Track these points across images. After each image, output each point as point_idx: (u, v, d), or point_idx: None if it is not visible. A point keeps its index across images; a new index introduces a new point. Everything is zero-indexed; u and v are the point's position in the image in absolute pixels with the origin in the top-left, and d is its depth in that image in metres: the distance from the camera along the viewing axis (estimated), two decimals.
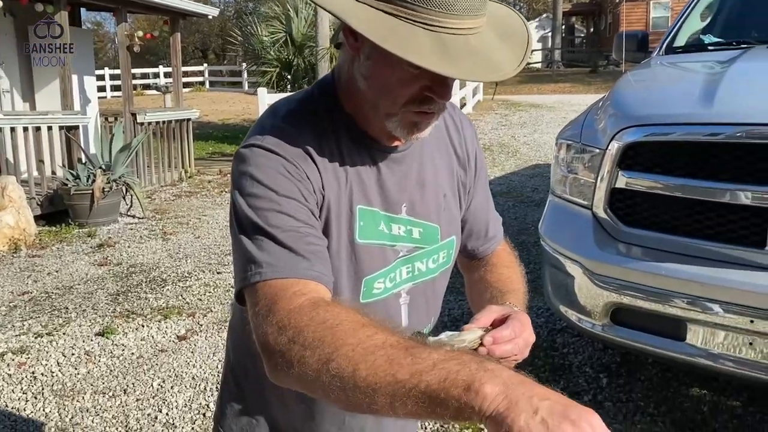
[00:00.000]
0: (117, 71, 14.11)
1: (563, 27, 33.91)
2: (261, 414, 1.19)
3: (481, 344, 0.91)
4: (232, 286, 4.57)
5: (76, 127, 7.08)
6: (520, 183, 7.95)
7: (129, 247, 5.84)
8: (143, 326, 4.01)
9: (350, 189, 1.00)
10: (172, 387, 3.27)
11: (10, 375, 3.42)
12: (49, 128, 6.76)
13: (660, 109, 2.63)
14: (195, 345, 3.74)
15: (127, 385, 3.29)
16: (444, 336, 0.93)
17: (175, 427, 2.92)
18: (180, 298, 4.51)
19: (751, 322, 2.23)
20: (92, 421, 2.97)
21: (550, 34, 32.18)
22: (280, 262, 0.89)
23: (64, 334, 3.91)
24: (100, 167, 6.68)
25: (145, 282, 4.86)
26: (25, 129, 6.54)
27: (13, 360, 3.58)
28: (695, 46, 3.77)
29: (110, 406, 3.09)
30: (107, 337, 3.84)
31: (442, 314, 1.04)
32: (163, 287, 4.73)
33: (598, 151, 2.64)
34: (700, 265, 2.34)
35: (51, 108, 7.42)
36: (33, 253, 5.66)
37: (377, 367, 0.74)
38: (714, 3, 4.10)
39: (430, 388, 0.70)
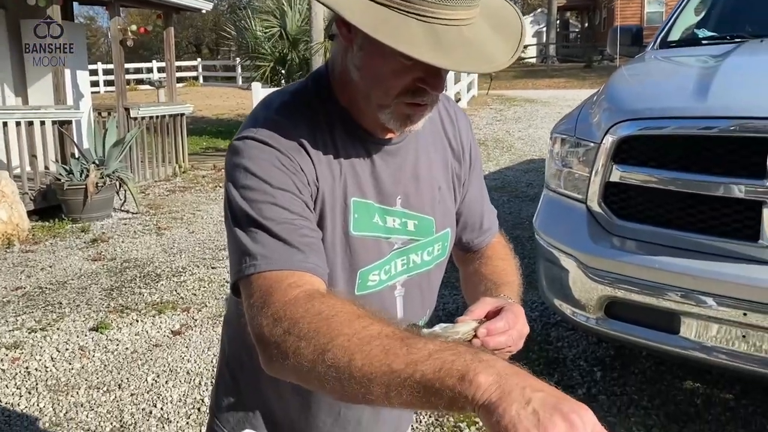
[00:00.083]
0: (110, 66, 14.06)
1: (558, 22, 33.90)
2: (257, 406, 1.19)
3: (475, 336, 0.91)
4: (226, 281, 4.57)
5: (69, 122, 7.05)
6: (515, 178, 7.95)
7: (123, 242, 5.83)
8: (137, 321, 4.01)
9: (344, 181, 1.00)
10: (166, 382, 3.26)
11: (3, 370, 3.40)
12: (42, 123, 6.72)
13: (654, 103, 2.63)
14: (190, 340, 3.74)
15: (122, 380, 3.28)
16: (438, 328, 0.93)
17: (170, 421, 2.92)
18: (174, 293, 4.50)
19: (744, 315, 2.24)
20: (86, 416, 2.97)
21: (544, 29, 32.19)
22: (275, 255, 0.89)
23: (57, 329, 3.90)
24: (94, 162, 6.66)
25: (140, 277, 4.85)
26: (18, 124, 6.51)
27: (6, 355, 3.57)
28: (689, 40, 3.77)
29: (104, 401, 3.09)
30: (101, 332, 3.83)
31: (437, 309, 1.04)
32: (157, 282, 4.72)
33: (592, 145, 2.64)
34: (693, 258, 2.35)
35: (44, 103, 7.38)
36: (26, 249, 5.63)
37: (373, 357, 0.74)
38: None
39: (425, 378, 0.71)
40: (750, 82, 2.68)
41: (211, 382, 3.17)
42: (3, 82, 7.88)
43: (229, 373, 1.22)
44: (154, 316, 4.08)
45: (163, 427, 2.88)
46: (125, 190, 6.96)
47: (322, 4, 0.86)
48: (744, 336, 2.27)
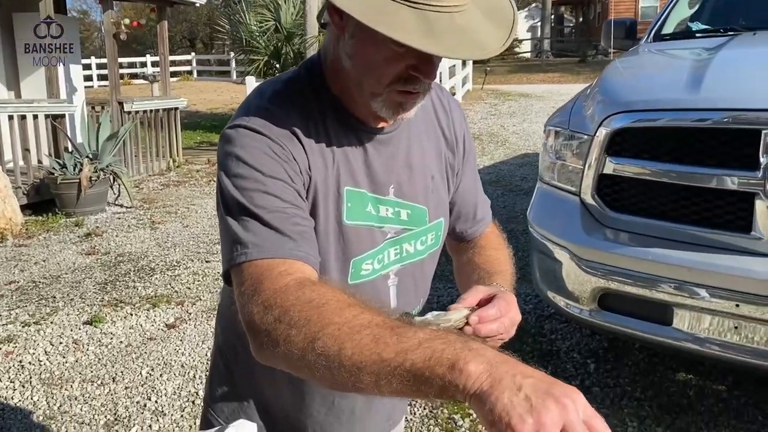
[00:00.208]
0: (104, 60, 13.99)
1: (552, 17, 33.89)
2: (251, 396, 1.19)
3: (467, 323, 0.91)
4: (221, 274, 4.57)
5: (63, 116, 7.01)
6: (509, 172, 7.96)
7: (117, 236, 5.81)
8: (132, 315, 4.00)
9: (337, 170, 1.00)
10: (161, 375, 3.26)
11: None
12: (35, 117, 6.68)
13: (647, 95, 2.64)
14: (184, 333, 3.74)
15: (116, 374, 3.28)
16: (430, 316, 0.93)
17: (165, 414, 2.92)
18: (169, 286, 4.50)
19: (737, 306, 2.25)
20: (81, 409, 2.96)
21: (539, 23, 32.16)
22: (266, 243, 0.89)
23: (51, 323, 3.89)
24: (87, 156, 6.63)
25: (134, 271, 4.84)
26: (10, 117, 6.47)
27: (0, 349, 3.56)
28: (683, 33, 3.78)
29: (99, 394, 3.09)
30: (95, 326, 3.82)
31: (431, 301, 1.04)
32: (151, 276, 4.71)
33: (586, 137, 2.65)
34: (686, 250, 2.36)
35: (36, 96, 7.33)
36: (19, 243, 5.61)
37: (363, 345, 0.75)
38: None
39: (415, 367, 0.71)
40: (743, 74, 2.69)
41: (206, 375, 3.17)
42: None
43: (223, 363, 1.22)
44: (148, 310, 4.07)
45: (158, 419, 2.88)
46: (119, 185, 6.93)
47: None
48: (736, 327, 2.28)
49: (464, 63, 15.86)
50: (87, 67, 20.12)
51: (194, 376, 3.24)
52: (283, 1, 11.26)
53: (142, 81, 22.11)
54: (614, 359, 3.19)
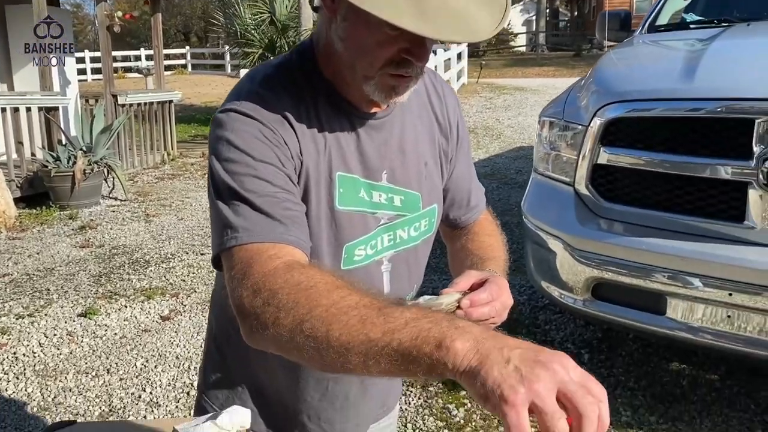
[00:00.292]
0: (97, 54, 13.90)
1: (547, 11, 33.84)
2: (245, 382, 1.19)
3: (459, 307, 0.91)
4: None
5: (56, 109, 6.98)
6: (504, 165, 7.97)
7: (111, 229, 5.80)
8: (126, 307, 3.99)
9: (329, 155, 0.99)
10: (155, 366, 3.26)
11: None
12: (28, 109, 6.65)
13: (642, 85, 2.64)
14: (179, 325, 3.73)
15: (111, 365, 3.28)
16: (422, 300, 0.93)
17: (159, 405, 2.92)
18: (163, 279, 4.49)
19: (730, 295, 2.26)
20: (75, 401, 2.96)
21: (534, 17, 32.13)
22: (256, 227, 0.89)
23: (45, 315, 3.88)
24: (81, 149, 6.60)
25: (128, 263, 4.83)
26: (3, 110, 6.43)
27: None
28: (677, 24, 3.78)
29: (93, 386, 3.08)
30: (90, 318, 3.82)
31: (426, 292, 1.05)
32: (146, 268, 4.71)
33: (580, 127, 2.65)
34: (680, 239, 2.37)
35: (29, 89, 7.30)
36: (13, 236, 5.59)
37: (350, 326, 0.75)
38: None
39: (402, 346, 0.71)
40: (737, 64, 2.69)
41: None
42: None
43: (217, 349, 1.22)
44: (143, 302, 4.07)
45: (152, 410, 2.88)
46: (113, 177, 6.91)
47: None
48: (729, 316, 2.29)
49: (459, 57, 15.84)
50: (81, 60, 20.00)
51: (189, 368, 3.24)
52: None
53: (136, 75, 22.04)
54: (608, 350, 3.21)
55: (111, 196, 6.97)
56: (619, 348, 3.21)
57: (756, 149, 2.19)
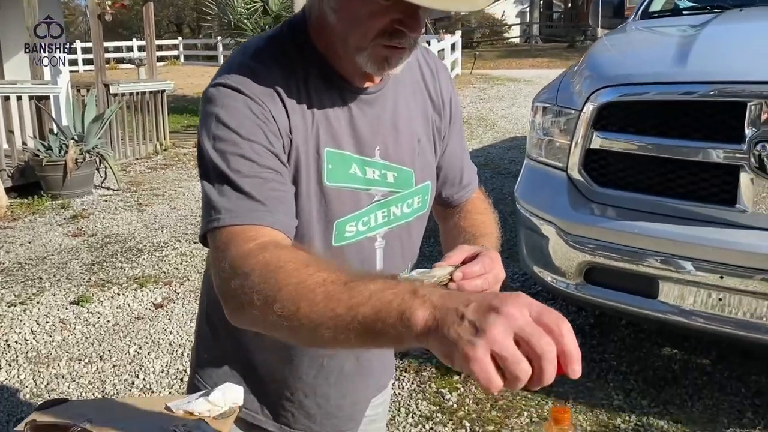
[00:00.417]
0: (89, 44, 13.80)
1: (541, 2, 33.79)
2: (238, 361, 1.18)
3: (451, 280, 0.91)
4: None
5: (47, 98, 6.93)
6: (498, 155, 7.97)
7: (104, 218, 5.77)
8: (119, 295, 3.98)
9: (317, 131, 0.99)
10: (148, 353, 3.26)
11: None
12: (19, 98, 6.60)
13: (634, 70, 2.64)
14: (172, 312, 3.73)
15: (103, 352, 3.27)
16: (415, 273, 0.93)
17: (152, 391, 2.92)
18: (156, 267, 4.48)
19: (721, 278, 2.27)
20: (68, 387, 2.96)
21: (528, 9, 32.08)
22: (239, 209, 0.89)
23: (38, 303, 3.87)
24: (73, 138, 6.55)
25: (121, 252, 4.81)
26: None
27: None
28: (671, 11, 3.78)
29: (86, 373, 3.08)
30: (82, 306, 3.81)
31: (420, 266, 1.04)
32: (138, 257, 4.69)
33: (573, 112, 2.65)
34: (672, 223, 2.37)
35: (20, 78, 7.25)
36: (5, 225, 5.56)
37: (317, 303, 0.75)
38: None
39: (366, 320, 0.71)
40: (729, 48, 2.70)
41: None
42: None
43: (209, 327, 1.22)
44: (135, 290, 4.06)
45: (145, 397, 2.87)
46: (105, 167, 6.87)
47: None
48: (720, 299, 2.31)
49: (453, 47, 15.81)
50: (72, 51, 19.87)
51: (182, 354, 3.24)
52: None
53: (128, 65, 21.90)
54: (600, 335, 3.22)
55: (103, 185, 6.94)
56: (611, 333, 3.22)
57: (748, 132, 2.20)
